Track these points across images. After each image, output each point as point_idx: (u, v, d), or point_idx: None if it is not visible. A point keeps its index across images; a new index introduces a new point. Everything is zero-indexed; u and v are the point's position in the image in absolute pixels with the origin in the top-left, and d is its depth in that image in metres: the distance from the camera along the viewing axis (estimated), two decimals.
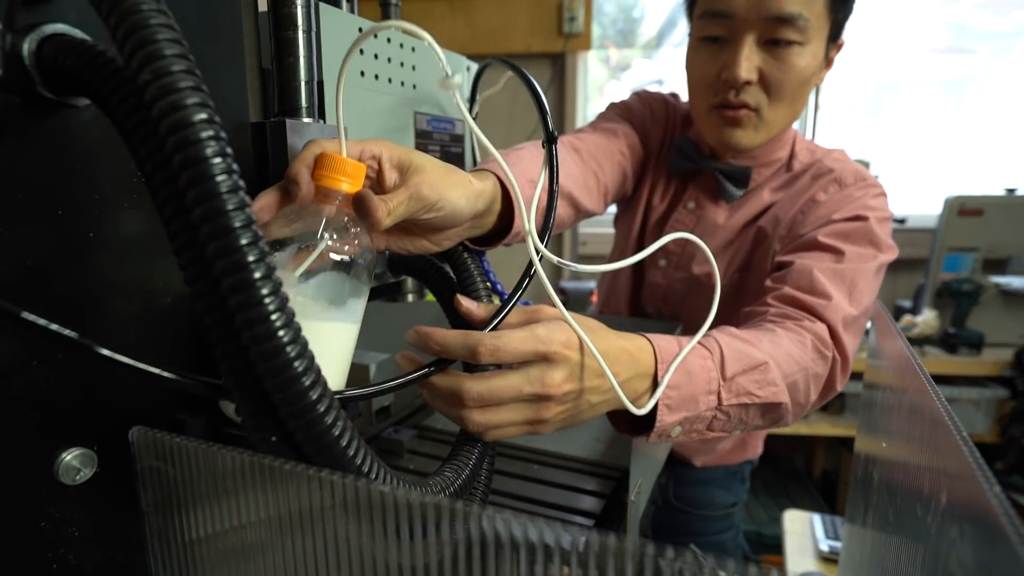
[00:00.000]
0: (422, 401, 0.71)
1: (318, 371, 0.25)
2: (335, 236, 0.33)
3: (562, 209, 0.61)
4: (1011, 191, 1.73)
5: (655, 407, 0.44)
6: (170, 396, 0.33)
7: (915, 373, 0.32)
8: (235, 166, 0.23)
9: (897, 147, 2.11)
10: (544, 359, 0.38)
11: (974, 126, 2.05)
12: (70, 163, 0.27)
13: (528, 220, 0.39)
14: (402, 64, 0.49)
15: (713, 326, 0.72)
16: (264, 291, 0.23)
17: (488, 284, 0.45)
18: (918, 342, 1.71)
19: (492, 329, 0.39)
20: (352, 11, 0.46)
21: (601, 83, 2.28)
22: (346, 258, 0.34)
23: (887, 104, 2.16)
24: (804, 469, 2.11)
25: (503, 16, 2.03)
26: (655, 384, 0.45)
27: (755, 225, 0.75)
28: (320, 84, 0.40)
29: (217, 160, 0.22)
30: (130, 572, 0.31)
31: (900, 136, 2.12)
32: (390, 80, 0.48)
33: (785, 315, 0.60)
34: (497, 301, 0.45)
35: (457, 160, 0.58)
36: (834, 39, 0.70)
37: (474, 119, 0.58)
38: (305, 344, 0.25)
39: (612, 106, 0.84)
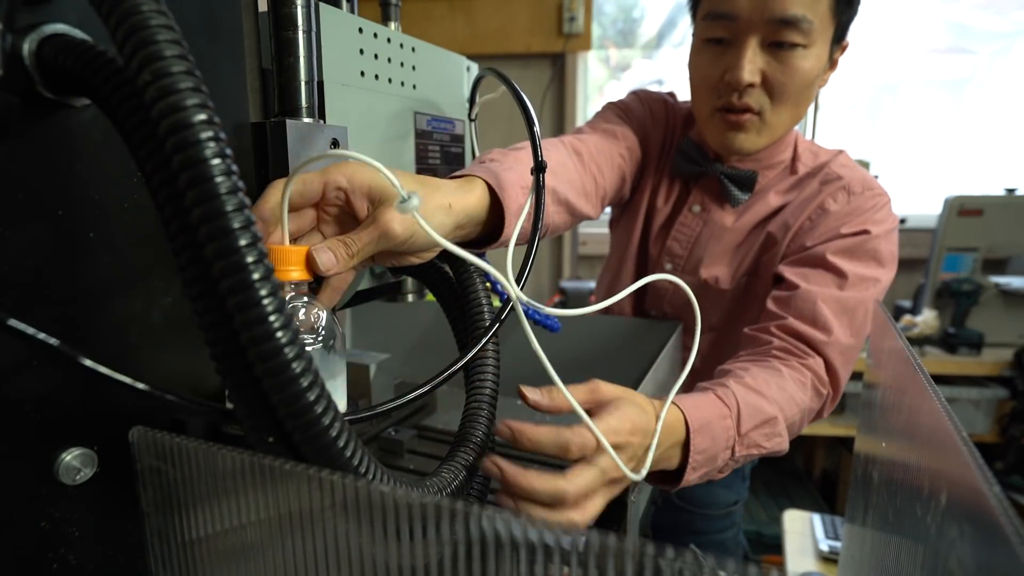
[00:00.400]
0: (422, 401, 0.71)
1: (316, 372, 0.25)
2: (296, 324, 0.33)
3: (558, 216, 0.62)
4: (1011, 191, 1.73)
5: (685, 465, 0.50)
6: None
7: (915, 373, 0.33)
8: (235, 167, 0.23)
9: (897, 147, 2.11)
10: (616, 448, 0.42)
11: (974, 126, 2.05)
12: (70, 163, 0.27)
13: (511, 245, 0.38)
14: (402, 64, 0.49)
15: (718, 329, 0.74)
16: (263, 292, 0.23)
17: (488, 284, 0.45)
18: (918, 342, 1.71)
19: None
20: (352, 11, 0.46)
21: (601, 83, 2.28)
22: (310, 339, 0.33)
23: (887, 104, 2.16)
24: (804, 469, 2.11)
25: (503, 16, 2.03)
26: (686, 445, 0.50)
27: (764, 230, 0.74)
28: (320, 84, 0.40)
29: (216, 161, 0.22)
30: (130, 572, 0.31)
31: (900, 136, 2.12)
32: (390, 80, 0.48)
33: (788, 350, 0.63)
34: (497, 302, 0.45)
35: (457, 160, 0.58)
36: (838, 41, 0.70)
37: (473, 121, 0.58)
38: (303, 346, 0.25)
39: (610, 106, 0.83)
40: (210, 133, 0.22)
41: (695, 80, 0.73)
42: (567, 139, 0.70)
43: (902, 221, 1.75)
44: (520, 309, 0.39)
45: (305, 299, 0.34)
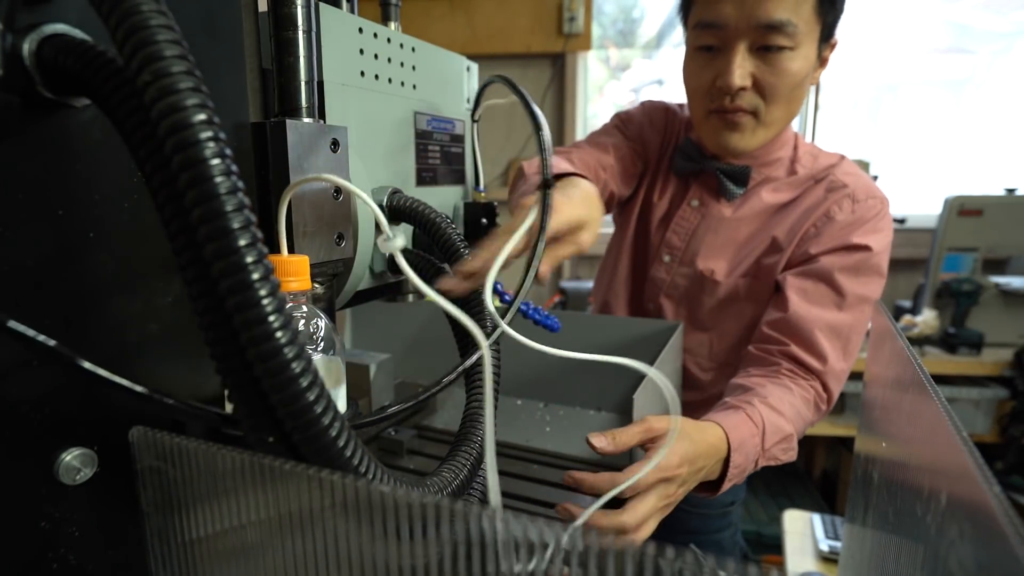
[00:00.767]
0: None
1: (315, 372, 0.25)
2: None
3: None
4: (1011, 191, 1.73)
5: (724, 478, 0.59)
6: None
7: (915, 373, 0.33)
8: (234, 167, 0.23)
9: (897, 147, 2.11)
10: (667, 481, 0.51)
11: (974, 126, 2.05)
12: (70, 163, 0.27)
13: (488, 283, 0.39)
14: (402, 64, 0.49)
15: (710, 329, 0.81)
16: (262, 292, 0.23)
17: None
18: (918, 342, 1.71)
19: (494, 337, 0.39)
20: (352, 11, 0.46)
21: (601, 83, 2.28)
22: (309, 348, 0.33)
23: (887, 104, 2.16)
24: (804, 469, 2.10)
25: (503, 16, 2.03)
26: (726, 461, 0.58)
27: (768, 233, 0.77)
28: (320, 84, 0.40)
29: (216, 161, 0.22)
30: (130, 572, 0.31)
31: (900, 136, 2.12)
32: (390, 80, 0.48)
33: (794, 372, 0.70)
34: (497, 302, 0.45)
35: (457, 160, 0.58)
36: (826, 39, 0.72)
37: (476, 122, 0.58)
38: (303, 346, 0.25)
39: (615, 116, 0.89)
40: (210, 133, 0.22)
41: (689, 86, 0.76)
42: (560, 150, 0.76)
43: (902, 221, 1.76)
44: (508, 331, 0.40)
45: (304, 308, 0.34)
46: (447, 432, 0.73)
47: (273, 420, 0.26)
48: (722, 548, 0.94)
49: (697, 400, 0.83)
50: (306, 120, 0.38)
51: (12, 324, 0.23)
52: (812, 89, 2.07)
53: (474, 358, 0.41)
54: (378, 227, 0.45)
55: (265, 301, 0.23)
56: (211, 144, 0.22)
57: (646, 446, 0.51)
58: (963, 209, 1.70)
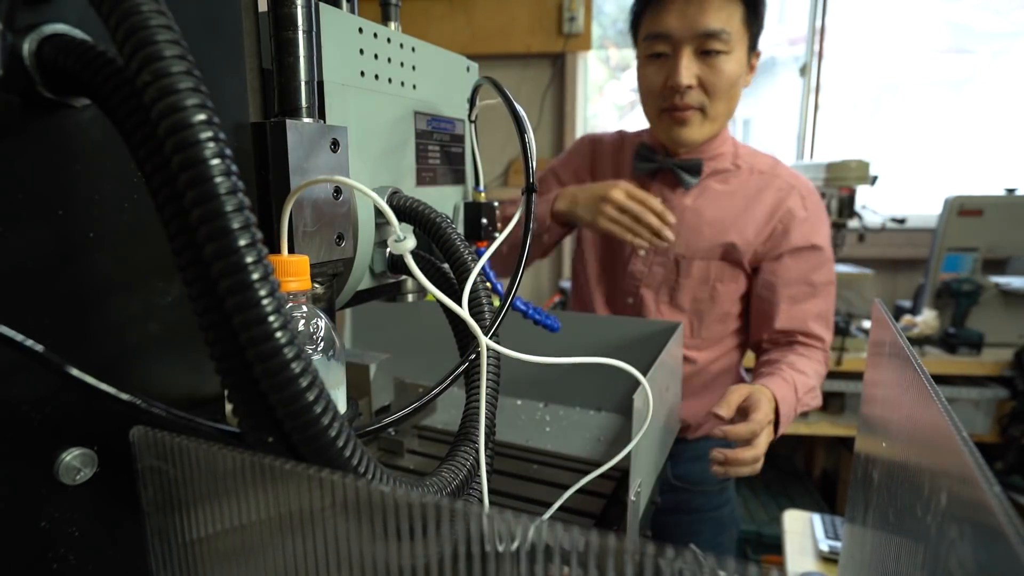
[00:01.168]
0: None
1: (315, 372, 0.25)
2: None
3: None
4: (1011, 191, 1.73)
5: (777, 424, 0.80)
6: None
7: (915, 373, 0.33)
8: (234, 167, 0.23)
9: (897, 147, 2.11)
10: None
11: (974, 126, 2.05)
12: (70, 163, 0.27)
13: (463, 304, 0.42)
14: (402, 64, 0.49)
15: (690, 311, 0.98)
16: (262, 292, 0.23)
17: (488, 284, 0.45)
18: (918, 342, 1.71)
19: (492, 333, 0.39)
20: (352, 11, 0.46)
21: (601, 83, 2.28)
22: (309, 348, 0.33)
23: (887, 104, 2.17)
24: (804, 469, 2.11)
25: (503, 16, 2.03)
26: (776, 411, 0.79)
27: (728, 219, 0.92)
28: (320, 84, 0.40)
29: (216, 161, 0.22)
30: (131, 572, 0.31)
31: (900, 136, 2.12)
32: (390, 80, 0.48)
33: (805, 344, 0.91)
34: (496, 301, 0.45)
35: (457, 160, 0.58)
36: (752, 48, 0.88)
37: (473, 122, 0.58)
38: (302, 346, 0.25)
39: (547, 170, 1.09)
40: (209, 133, 0.22)
41: (643, 89, 0.91)
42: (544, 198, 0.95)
43: (902, 221, 1.76)
44: (485, 354, 0.42)
45: (304, 308, 0.34)
46: (447, 432, 0.73)
47: (273, 420, 0.26)
48: (723, 525, 1.00)
49: (688, 372, 0.96)
50: (306, 120, 0.37)
51: (0, 329, 0.23)
52: (812, 89, 2.07)
53: (474, 356, 0.41)
54: (383, 229, 0.45)
55: (265, 301, 0.23)
56: (211, 144, 0.22)
57: (751, 409, 0.72)
58: (963, 209, 1.70)
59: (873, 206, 1.72)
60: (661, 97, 0.87)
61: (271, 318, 0.23)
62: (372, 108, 0.46)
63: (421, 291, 0.55)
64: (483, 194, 0.59)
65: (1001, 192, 1.73)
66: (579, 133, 2.12)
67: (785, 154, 2.11)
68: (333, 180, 0.34)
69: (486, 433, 0.41)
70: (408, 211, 0.45)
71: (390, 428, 0.66)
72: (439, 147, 0.55)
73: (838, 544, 0.97)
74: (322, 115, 0.41)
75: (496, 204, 0.59)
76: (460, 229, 0.57)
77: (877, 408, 0.49)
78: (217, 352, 0.25)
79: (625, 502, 0.51)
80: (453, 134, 0.57)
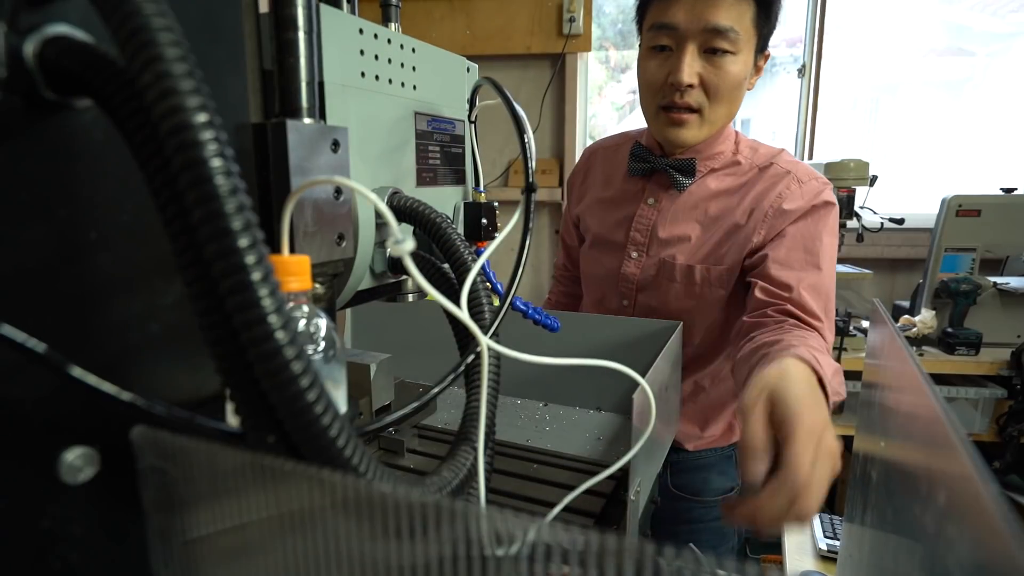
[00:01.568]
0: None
1: (315, 373, 0.25)
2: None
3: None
4: (1009, 191, 1.73)
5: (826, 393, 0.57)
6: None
7: (913, 373, 0.33)
8: (235, 168, 0.23)
9: (896, 147, 2.12)
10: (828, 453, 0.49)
11: (972, 127, 2.05)
12: (72, 164, 0.27)
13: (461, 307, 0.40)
14: (402, 65, 0.49)
15: (683, 308, 0.90)
16: (262, 292, 0.23)
17: (488, 284, 0.45)
18: (916, 342, 1.72)
19: (492, 333, 0.39)
20: (353, 12, 0.46)
21: (601, 84, 2.28)
22: (310, 349, 0.33)
23: (886, 105, 2.17)
24: None
25: (503, 16, 2.03)
26: (821, 381, 0.57)
27: (720, 218, 0.86)
28: (321, 85, 0.40)
29: (217, 162, 0.22)
30: (132, 571, 0.31)
31: (899, 136, 2.13)
32: (390, 81, 0.48)
33: (797, 325, 0.72)
34: (496, 301, 0.45)
35: (458, 161, 0.58)
36: (761, 50, 0.83)
37: (473, 123, 0.58)
38: (303, 346, 0.25)
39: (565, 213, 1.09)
40: (211, 134, 0.22)
41: (643, 82, 0.85)
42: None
43: (900, 221, 1.76)
44: (485, 353, 0.41)
45: (305, 308, 0.34)
46: (447, 432, 0.74)
47: (273, 420, 0.26)
48: (724, 536, 0.97)
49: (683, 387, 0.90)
50: (307, 121, 0.38)
51: (2, 329, 0.23)
52: (811, 90, 2.08)
53: (473, 356, 0.41)
54: (383, 229, 0.45)
55: (265, 302, 0.23)
56: (212, 145, 0.22)
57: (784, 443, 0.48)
58: (961, 209, 1.70)
59: (872, 206, 1.72)
60: (660, 93, 0.83)
61: (271, 318, 0.23)
62: (372, 109, 0.46)
63: (421, 291, 0.55)
64: (483, 194, 0.59)
65: (999, 192, 1.73)
66: (579, 134, 2.12)
67: None
68: (333, 181, 0.34)
69: (486, 433, 0.41)
70: (408, 211, 0.45)
71: (390, 428, 0.66)
72: (439, 147, 0.55)
73: (837, 543, 0.97)
74: (323, 116, 0.41)
75: (496, 204, 0.59)
76: (460, 229, 0.57)
77: (876, 408, 0.49)
78: (218, 352, 0.25)
79: (625, 501, 0.51)
80: (453, 134, 0.57)
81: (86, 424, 0.29)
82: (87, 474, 0.29)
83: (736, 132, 0.91)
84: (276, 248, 0.34)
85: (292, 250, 0.36)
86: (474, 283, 0.43)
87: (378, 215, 0.45)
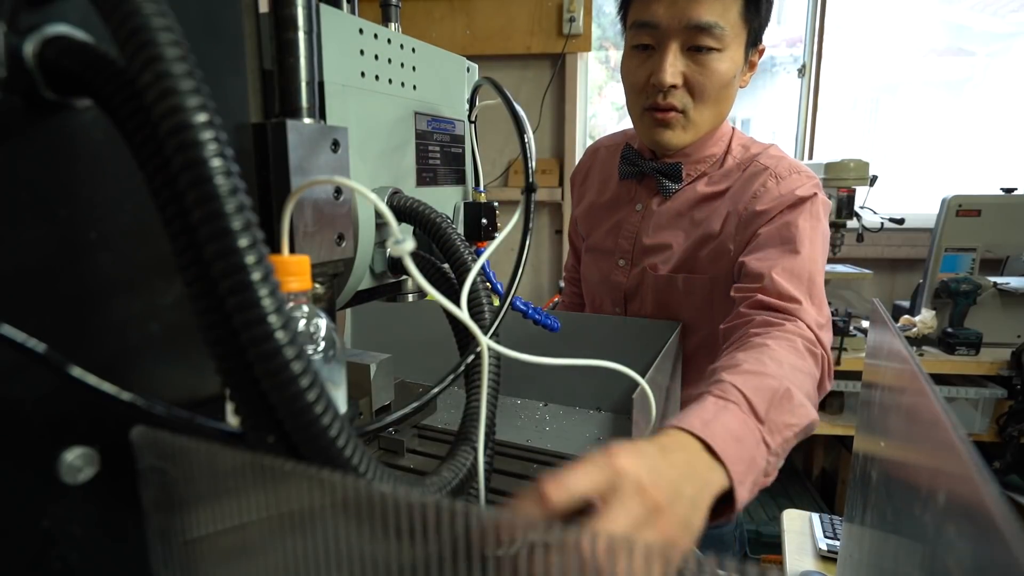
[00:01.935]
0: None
1: (315, 372, 0.25)
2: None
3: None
4: (1009, 191, 1.73)
5: (731, 484, 0.41)
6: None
7: (913, 373, 0.33)
8: (235, 168, 0.23)
9: (896, 147, 2.12)
10: (620, 474, 0.35)
11: (972, 126, 2.06)
12: (72, 164, 0.27)
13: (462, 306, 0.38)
14: (402, 65, 0.49)
15: (664, 316, 0.83)
16: (262, 292, 0.23)
17: (488, 284, 0.45)
18: (916, 342, 1.72)
19: (492, 333, 0.39)
20: (352, 12, 0.46)
21: (601, 84, 2.28)
22: (310, 349, 0.33)
23: (886, 104, 2.17)
24: (803, 468, 2.11)
25: (503, 17, 2.03)
26: (718, 459, 0.41)
27: (698, 225, 0.81)
28: (321, 85, 0.40)
29: (217, 162, 0.22)
30: (133, 571, 0.31)
31: (899, 136, 2.13)
32: (390, 81, 0.48)
33: (767, 322, 0.63)
34: (496, 301, 0.45)
35: (458, 161, 0.58)
36: (754, 44, 0.78)
37: (473, 123, 0.58)
38: (303, 346, 0.25)
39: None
40: (210, 134, 0.22)
41: (626, 83, 0.81)
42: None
43: (900, 221, 1.76)
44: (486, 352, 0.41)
45: (305, 308, 0.34)
46: (447, 432, 0.73)
47: (273, 420, 0.26)
48: (723, 543, 0.95)
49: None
50: (307, 121, 0.38)
51: (3, 329, 0.23)
52: (811, 90, 2.08)
53: (473, 356, 0.41)
54: (383, 229, 0.45)
55: (265, 302, 0.23)
56: (212, 145, 0.22)
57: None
58: (961, 209, 1.70)
59: (872, 206, 1.72)
60: (644, 94, 0.78)
61: (271, 318, 0.23)
62: (372, 109, 0.46)
63: (421, 291, 0.55)
64: (483, 194, 0.59)
65: (999, 192, 1.73)
66: (579, 134, 2.12)
67: None
68: (334, 181, 0.34)
69: (486, 433, 0.41)
70: (408, 211, 0.46)
71: (390, 428, 0.67)
72: (439, 147, 0.55)
73: (837, 543, 0.97)
74: (323, 116, 0.41)
75: (496, 204, 0.59)
76: (460, 229, 0.57)
77: (876, 408, 0.49)
78: (218, 352, 0.25)
79: None
80: (453, 134, 0.57)
81: (86, 424, 0.29)
82: (87, 474, 0.29)
83: (733, 130, 0.86)
84: (276, 248, 0.34)
85: (292, 250, 0.36)
86: (474, 283, 0.43)
87: (378, 215, 0.45)
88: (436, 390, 0.40)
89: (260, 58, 0.38)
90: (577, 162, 1.05)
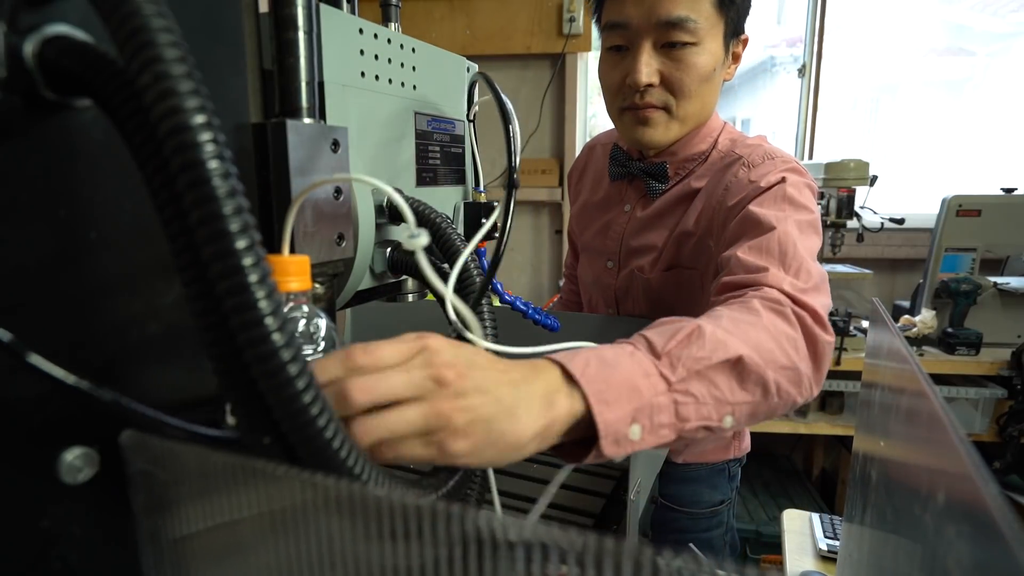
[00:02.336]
0: None
1: (311, 375, 0.25)
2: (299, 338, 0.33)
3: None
4: (1009, 191, 1.73)
5: (589, 410, 0.37)
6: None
7: (913, 373, 0.33)
8: (233, 169, 0.23)
9: (896, 147, 2.12)
10: (424, 349, 0.33)
11: (972, 126, 2.05)
12: (72, 164, 0.27)
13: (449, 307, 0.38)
14: (402, 65, 0.49)
15: (660, 315, 0.71)
16: (260, 294, 0.23)
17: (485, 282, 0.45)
18: (916, 342, 1.72)
19: (492, 334, 0.39)
20: (352, 12, 0.46)
21: None
22: (309, 349, 0.33)
23: (886, 104, 2.17)
24: (803, 468, 2.11)
25: (503, 16, 2.03)
26: (575, 383, 0.37)
27: (677, 228, 0.78)
28: (321, 85, 0.40)
29: (215, 163, 0.22)
30: (132, 570, 0.31)
31: (899, 136, 2.13)
32: (390, 81, 0.48)
33: (731, 297, 0.56)
34: (496, 301, 0.45)
35: (457, 161, 0.58)
36: (735, 35, 0.75)
37: (471, 121, 0.58)
38: (300, 347, 0.25)
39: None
40: (209, 135, 0.22)
41: (603, 85, 0.79)
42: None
43: (901, 221, 1.77)
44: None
45: (305, 308, 0.34)
46: None
47: (270, 421, 0.26)
48: (712, 547, 0.94)
49: None
50: (307, 121, 0.38)
51: None
52: (811, 90, 2.08)
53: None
54: (383, 229, 0.45)
55: (262, 303, 0.23)
56: (210, 146, 0.22)
57: None
58: (961, 209, 1.70)
59: (872, 206, 1.72)
60: (620, 95, 0.76)
61: (268, 319, 0.23)
62: (372, 108, 0.46)
63: (421, 291, 0.55)
64: (483, 194, 0.59)
65: (999, 192, 1.73)
66: (579, 134, 2.12)
67: None
68: (346, 179, 0.34)
69: None
70: None
71: None
72: (439, 147, 0.55)
73: (837, 543, 0.97)
74: (323, 116, 0.41)
75: (496, 204, 0.59)
76: (460, 229, 0.57)
77: (875, 408, 0.49)
78: (215, 353, 0.25)
79: (624, 501, 0.51)
80: (453, 134, 0.57)
81: (86, 424, 0.29)
82: (87, 474, 0.29)
83: (724, 125, 0.82)
84: (277, 248, 0.34)
85: (292, 250, 0.36)
86: (474, 281, 0.43)
87: (378, 215, 0.45)
88: None
89: (260, 58, 0.38)
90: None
